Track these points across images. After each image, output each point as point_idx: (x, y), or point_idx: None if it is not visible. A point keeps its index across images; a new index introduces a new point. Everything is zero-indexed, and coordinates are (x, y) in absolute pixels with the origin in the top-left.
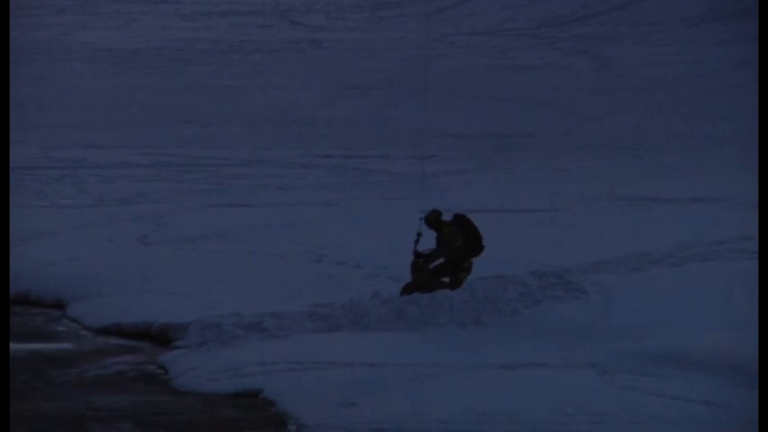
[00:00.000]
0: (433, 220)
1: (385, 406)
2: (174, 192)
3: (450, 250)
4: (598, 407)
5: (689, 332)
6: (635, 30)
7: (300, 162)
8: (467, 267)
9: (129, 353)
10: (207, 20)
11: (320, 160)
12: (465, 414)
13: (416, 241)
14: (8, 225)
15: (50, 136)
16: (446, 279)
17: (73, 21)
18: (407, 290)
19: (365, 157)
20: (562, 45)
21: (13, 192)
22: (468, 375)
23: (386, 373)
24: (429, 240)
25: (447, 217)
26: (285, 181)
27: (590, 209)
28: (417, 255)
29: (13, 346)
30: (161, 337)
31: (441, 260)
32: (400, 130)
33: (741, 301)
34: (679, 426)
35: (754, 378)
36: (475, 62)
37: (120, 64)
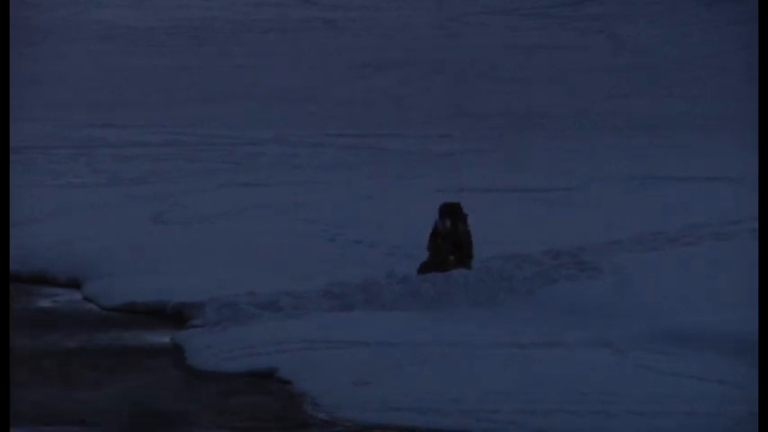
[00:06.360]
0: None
1: (399, 385)
2: (189, 171)
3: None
4: (612, 386)
5: (704, 311)
6: (649, 9)
7: (314, 141)
8: (470, 254)
9: (143, 331)
10: None
11: (334, 139)
12: (479, 393)
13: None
14: (8, 217)
15: (64, 115)
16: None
17: None
18: (423, 269)
19: (379, 136)
20: (575, 24)
21: (27, 171)
22: (482, 354)
23: (400, 352)
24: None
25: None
26: (299, 160)
27: (604, 188)
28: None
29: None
30: (176, 316)
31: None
32: (414, 110)
33: (756, 281)
34: (693, 404)
35: None
36: (488, 41)
37: (134, 43)
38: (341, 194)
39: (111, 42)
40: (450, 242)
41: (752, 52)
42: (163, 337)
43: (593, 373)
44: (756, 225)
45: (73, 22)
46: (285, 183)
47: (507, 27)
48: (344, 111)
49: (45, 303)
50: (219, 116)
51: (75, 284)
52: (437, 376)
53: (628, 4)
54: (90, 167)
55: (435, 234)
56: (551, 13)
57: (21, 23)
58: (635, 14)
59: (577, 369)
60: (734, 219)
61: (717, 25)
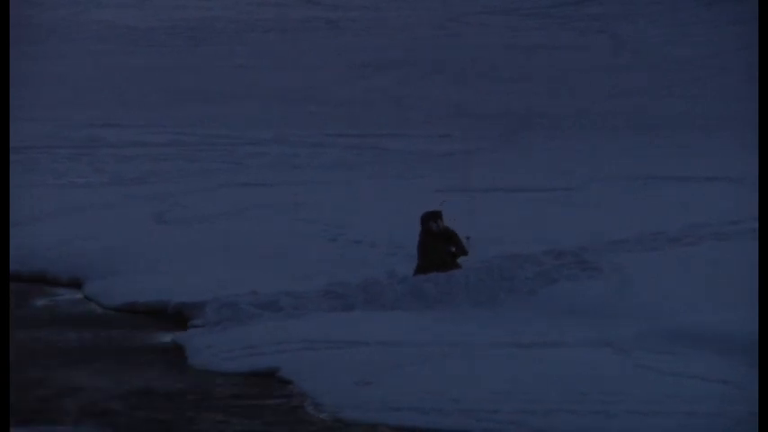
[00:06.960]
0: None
1: (400, 385)
2: (189, 171)
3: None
4: (613, 386)
5: (705, 311)
6: (649, 9)
7: (315, 141)
8: (465, 251)
9: (144, 331)
10: None
11: (334, 139)
12: (479, 393)
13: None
14: (8, 217)
15: (64, 115)
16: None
17: None
18: (422, 269)
19: (379, 136)
20: (575, 24)
21: (28, 171)
22: (483, 354)
23: (401, 352)
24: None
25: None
26: (300, 160)
27: (604, 188)
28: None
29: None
30: (177, 316)
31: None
32: (414, 110)
33: (756, 281)
34: (695, 405)
35: None
36: (488, 41)
37: (134, 43)
38: (341, 194)
39: (111, 42)
40: (444, 241)
41: (752, 52)
42: (164, 337)
43: (593, 373)
44: (756, 225)
45: (73, 21)
46: (285, 183)
47: (507, 27)
48: (345, 111)
49: (45, 303)
50: (219, 116)
51: (75, 284)
52: (437, 376)
53: (628, 4)
54: (90, 167)
55: (429, 234)
56: (551, 13)
57: (24, 22)
58: (635, 14)
59: (577, 369)
60: (734, 219)
61: (717, 25)
